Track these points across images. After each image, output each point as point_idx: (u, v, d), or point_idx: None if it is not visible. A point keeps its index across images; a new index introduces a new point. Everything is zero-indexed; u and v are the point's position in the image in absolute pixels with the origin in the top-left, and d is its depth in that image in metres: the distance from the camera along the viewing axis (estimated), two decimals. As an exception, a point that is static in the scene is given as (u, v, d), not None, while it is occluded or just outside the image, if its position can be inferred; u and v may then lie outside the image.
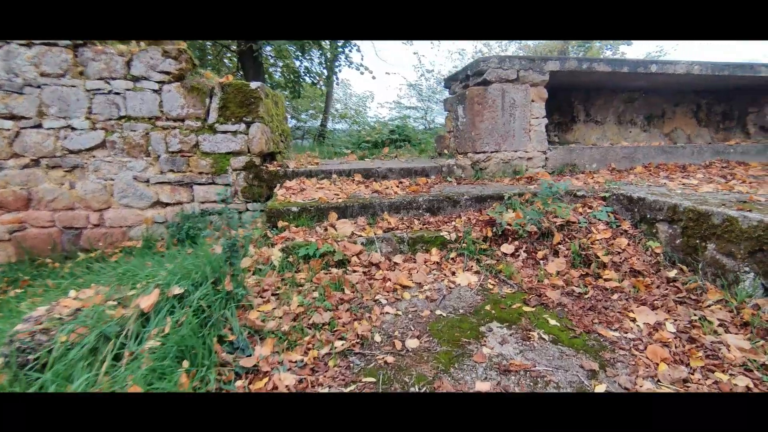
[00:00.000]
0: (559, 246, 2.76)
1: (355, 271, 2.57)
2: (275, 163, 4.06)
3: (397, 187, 3.84)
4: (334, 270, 2.57)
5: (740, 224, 2.10)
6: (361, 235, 2.87)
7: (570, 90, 5.38)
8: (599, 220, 2.98)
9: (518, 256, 2.73)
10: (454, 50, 22.25)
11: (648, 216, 2.75)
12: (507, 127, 4.23)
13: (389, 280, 2.50)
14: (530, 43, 19.73)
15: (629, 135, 5.70)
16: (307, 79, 12.79)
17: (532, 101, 4.30)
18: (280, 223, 3.03)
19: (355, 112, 21.83)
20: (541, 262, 2.65)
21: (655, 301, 2.19)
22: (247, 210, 3.86)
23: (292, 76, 12.77)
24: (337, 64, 14.62)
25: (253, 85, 3.75)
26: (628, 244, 2.70)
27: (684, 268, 2.44)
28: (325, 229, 2.97)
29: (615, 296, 2.30)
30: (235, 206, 3.84)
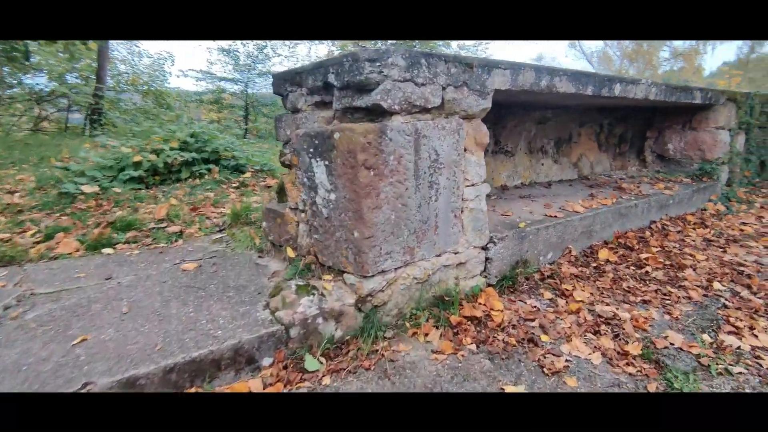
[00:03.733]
0: None
1: None
2: None
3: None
4: None
5: None
6: None
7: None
8: None
9: None
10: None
11: None
12: (425, 212, 1.94)
13: None
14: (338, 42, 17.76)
15: (541, 168, 4.13)
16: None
17: (466, 150, 2.09)
18: None
19: (148, 77, 16.45)
20: None
21: None
22: None
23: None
24: (103, 10, 9.77)
25: None
26: None
27: None
28: None
29: None
30: None
